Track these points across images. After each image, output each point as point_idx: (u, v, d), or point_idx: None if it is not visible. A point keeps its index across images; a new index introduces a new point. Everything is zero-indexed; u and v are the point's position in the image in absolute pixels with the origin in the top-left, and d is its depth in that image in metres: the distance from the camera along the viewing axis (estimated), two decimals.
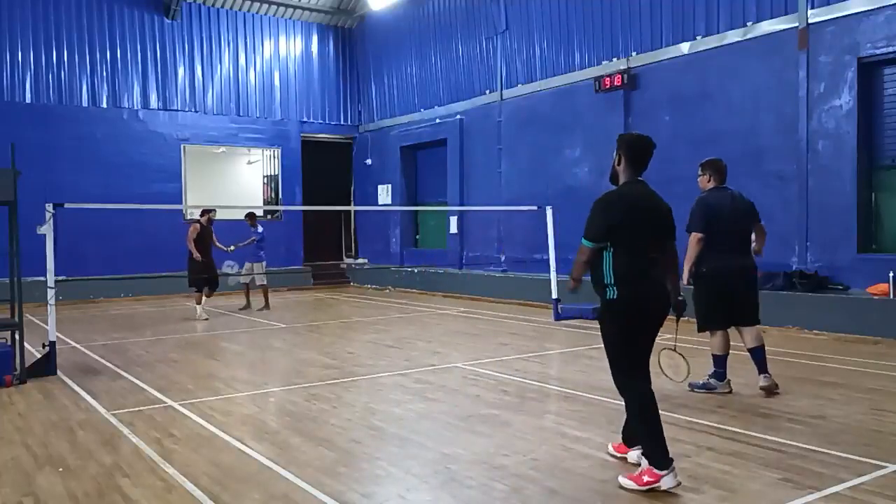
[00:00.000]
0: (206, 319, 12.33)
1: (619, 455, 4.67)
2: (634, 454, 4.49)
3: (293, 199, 19.56)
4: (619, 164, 4.47)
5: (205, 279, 12.56)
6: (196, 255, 12.35)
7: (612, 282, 4.25)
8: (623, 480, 4.22)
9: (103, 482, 4.43)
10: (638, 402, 4.28)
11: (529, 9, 15.13)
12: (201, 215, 12.98)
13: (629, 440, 4.62)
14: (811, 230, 10.53)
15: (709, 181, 6.46)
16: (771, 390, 6.33)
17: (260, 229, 13.92)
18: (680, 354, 5.73)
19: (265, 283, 14.01)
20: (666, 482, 4.08)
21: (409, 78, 18.90)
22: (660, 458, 4.12)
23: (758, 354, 6.39)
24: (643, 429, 4.26)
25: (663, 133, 12.34)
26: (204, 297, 12.69)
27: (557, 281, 12.12)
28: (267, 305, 13.87)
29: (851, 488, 4.12)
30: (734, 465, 4.54)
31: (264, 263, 14.01)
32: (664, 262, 4.45)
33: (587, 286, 4.54)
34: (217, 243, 12.97)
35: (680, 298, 4.55)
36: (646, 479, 4.12)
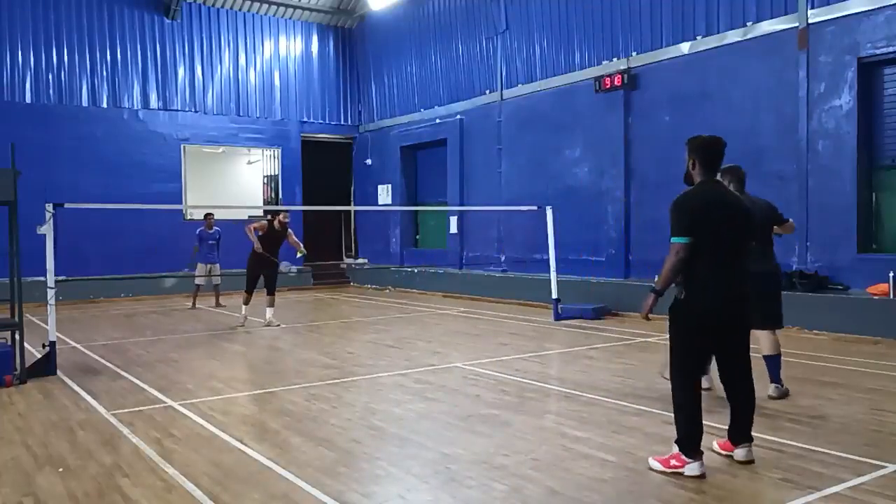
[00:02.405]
0: (241, 325, 11.49)
1: (724, 453, 4.65)
2: (742, 451, 4.54)
3: (293, 199, 19.55)
4: (693, 168, 4.53)
5: (255, 279, 11.73)
6: (257, 245, 11.42)
7: (682, 281, 4.35)
8: (652, 462, 4.49)
9: (103, 482, 4.42)
10: (682, 395, 4.42)
11: (529, 9, 15.13)
12: (272, 216, 11.87)
13: (734, 437, 4.60)
14: (811, 230, 10.53)
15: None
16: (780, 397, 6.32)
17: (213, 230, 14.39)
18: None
19: (219, 283, 14.58)
20: (690, 469, 4.31)
21: (409, 78, 18.90)
22: (690, 448, 4.34)
23: (768, 362, 6.38)
24: (681, 419, 4.40)
25: (663, 133, 12.37)
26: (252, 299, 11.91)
27: (557, 281, 12.12)
28: (218, 304, 14.53)
29: (851, 488, 4.12)
30: (734, 465, 4.54)
31: (218, 265, 14.41)
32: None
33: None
34: (295, 241, 12.02)
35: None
36: (673, 462, 4.37)
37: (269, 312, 11.68)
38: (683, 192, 4.52)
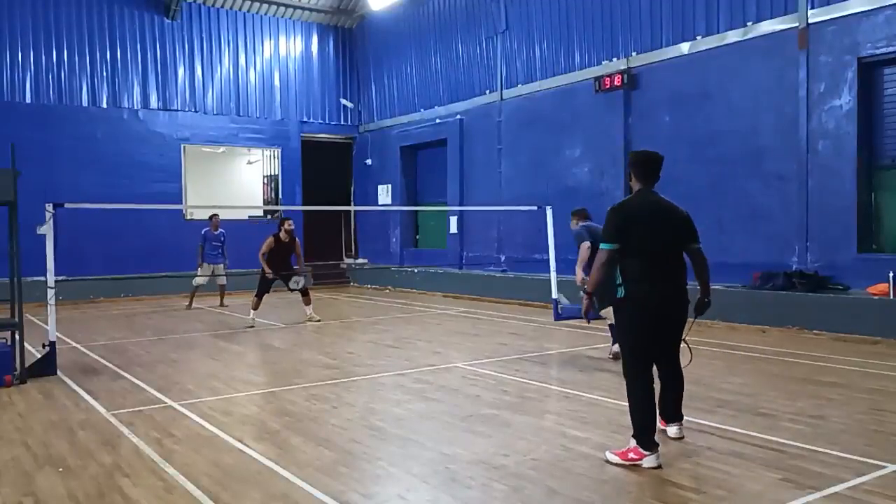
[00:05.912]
0: (251, 327, 11.47)
1: (660, 427, 4.91)
2: (674, 429, 5.00)
3: (293, 199, 19.53)
4: (631, 180, 4.93)
5: (267, 285, 11.70)
6: (268, 271, 11.46)
7: (620, 282, 4.68)
8: (609, 455, 4.64)
9: (103, 482, 4.42)
10: (636, 390, 4.64)
11: (529, 9, 15.13)
12: (276, 228, 11.88)
13: (668, 416, 5.04)
14: (811, 230, 10.53)
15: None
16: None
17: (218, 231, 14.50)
18: (687, 345, 5.73)
19: (224, 283, 14.84)
20: (648, 462, 4.49)
21: (409, 78, 18.90)
22: (647, 441, 4.53)
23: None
24: (637, 414, 4.60)
25: (663, 133, 12.37)
26: (259, 304, 11.87)
27: (557, 281, 12.11)
28: (222, 303, 14.76)
29: (851, 488, 4.12)
30: (734, 465, 4.54)
31: (222, 266, 14.57)
32: (696, 265, 4.89)
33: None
34: (300, 258, 12.24)
35: (705, 300, 4.94)
36: (631, 455, 4.54)
37: (308, 310, 12.11)
38: (618, 202, 4.89)
